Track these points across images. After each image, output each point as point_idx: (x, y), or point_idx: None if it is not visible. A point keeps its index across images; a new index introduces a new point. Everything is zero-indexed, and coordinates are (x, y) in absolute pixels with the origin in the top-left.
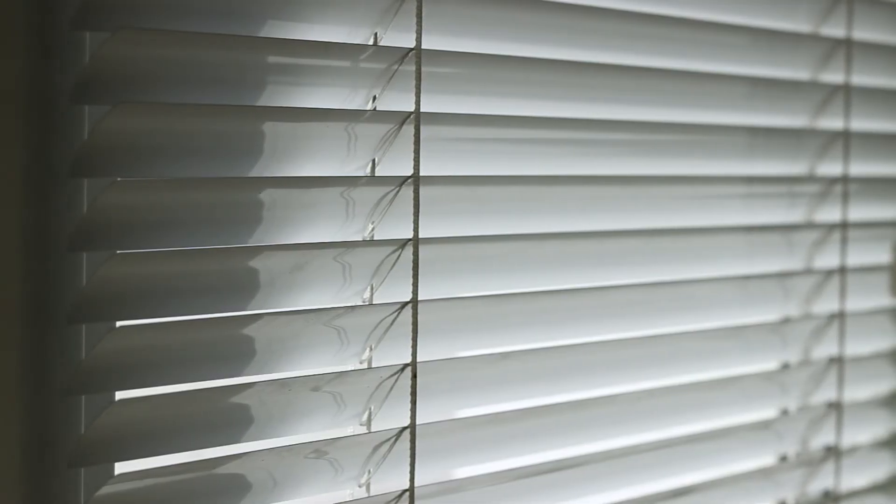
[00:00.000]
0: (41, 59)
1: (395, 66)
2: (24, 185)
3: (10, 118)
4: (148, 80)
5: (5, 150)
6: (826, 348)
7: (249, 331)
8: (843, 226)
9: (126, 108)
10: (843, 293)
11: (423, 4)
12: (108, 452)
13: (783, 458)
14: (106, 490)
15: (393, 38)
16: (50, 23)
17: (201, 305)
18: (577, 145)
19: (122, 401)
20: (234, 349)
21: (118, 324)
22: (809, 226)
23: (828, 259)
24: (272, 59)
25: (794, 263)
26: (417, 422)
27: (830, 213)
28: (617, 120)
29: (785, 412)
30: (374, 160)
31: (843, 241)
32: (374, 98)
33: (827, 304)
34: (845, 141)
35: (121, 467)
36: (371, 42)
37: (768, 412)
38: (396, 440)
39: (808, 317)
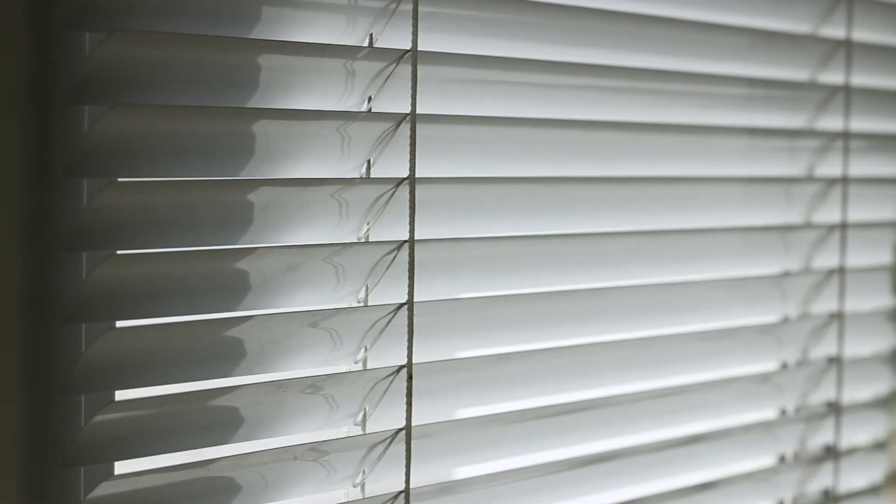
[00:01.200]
0: (39, 58)
1: (392, 67)
2: (22, 186)
3: (9, 118)
4: (144, 80)
5: (3, 150)
6: (825, 348)
7: (244, 331)
8: (843, 226)
9: (123, 109)
10: (842, 294)
11: (420, 5)
12: (103, 453)
13: (782, 459)
14: (101, 491)
15: (389, 38)
16: (48, 22)
17: (197, 306)
18: (575, 145)
19: (116, 402)
20: (229, 350)
21: (116, 324)
22: (808, 226)
23: (827, 259)
24: (267, 59)
25: (793, 263)
26: (413, 423)
27: (830, 214)
28: (614, 121)
29: (783, 412)
30: (369, 160)
31: (843, 241)
32: (370, 99)
33: (826, 305)
34: (845, 142)
35: (120, 467)
36: (366, 43)
37: (767, 413)
38: (392, 441)
39: (806, 317)
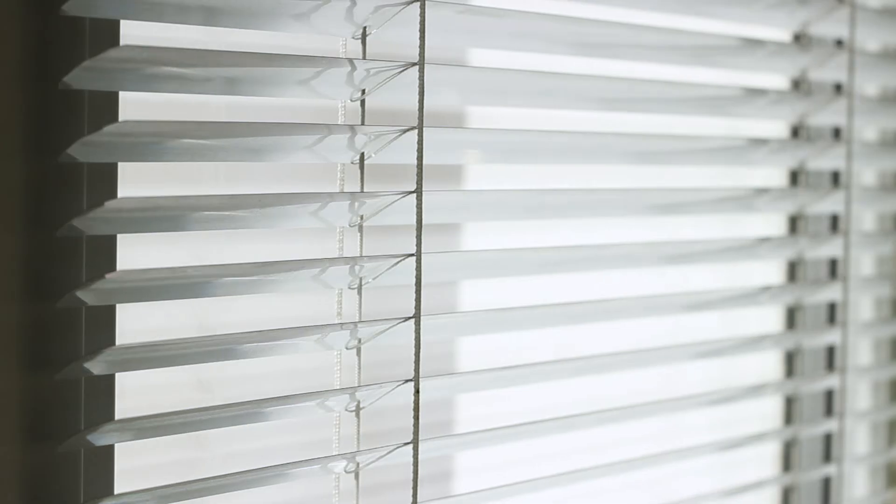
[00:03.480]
0: (41, 43)
1: (397, 73)
2: (23, 171)
3: (9, 104)
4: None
5: (3, 135)
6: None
7: None
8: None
9: (123, 123)
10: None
11: (427, 11)
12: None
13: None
14: None
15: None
16: (49, 8)
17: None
18: (586, 155)
19: None
20: None
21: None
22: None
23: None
24: (266, 71)
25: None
26: (420, 437)
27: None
28: (627, 133)
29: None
30: (363, 154)
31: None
32: (363, 93)
33: None
34: (848, 148)
35: (119, 485)
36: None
37: None
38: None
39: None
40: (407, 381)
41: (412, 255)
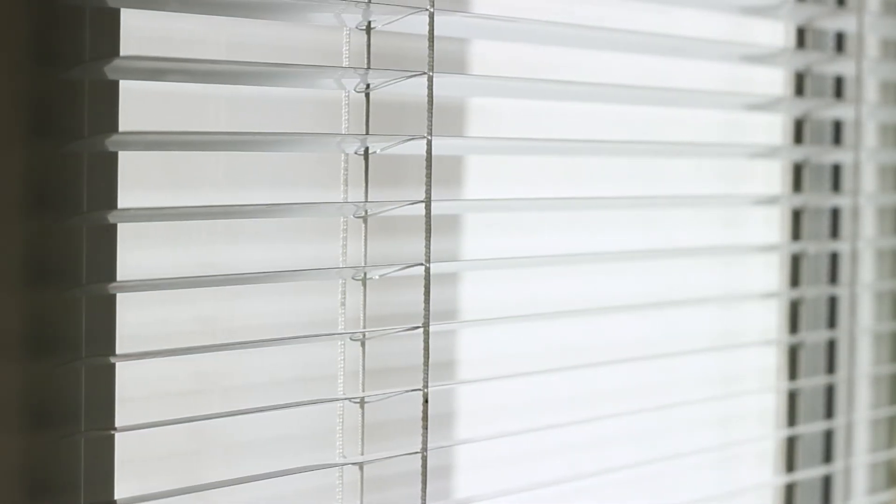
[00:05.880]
0: (41, 32)
1: (404, 80)
2: (23, 158)
3: (9, 92)
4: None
5: (3, 120)
6: None
7: None
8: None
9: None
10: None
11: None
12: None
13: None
14: None
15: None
16: None
17: None
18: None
19: None
20: None
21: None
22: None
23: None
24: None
25: None
26: (429, 446)
27: None
28: (632, 141)
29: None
30: (367, 149)
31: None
32: (368, 85)
33: None
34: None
35: (119, 492)
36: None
37: None
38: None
39: None
40: (415, 389)
41: (421, 264)
